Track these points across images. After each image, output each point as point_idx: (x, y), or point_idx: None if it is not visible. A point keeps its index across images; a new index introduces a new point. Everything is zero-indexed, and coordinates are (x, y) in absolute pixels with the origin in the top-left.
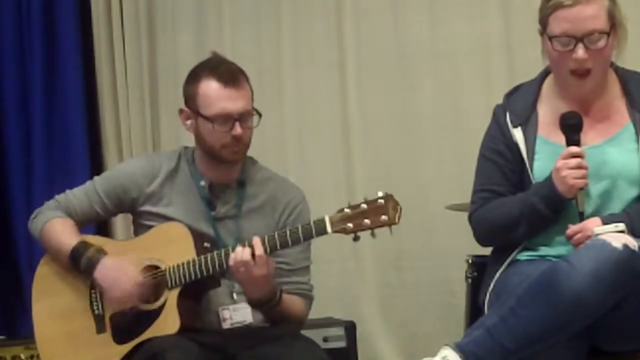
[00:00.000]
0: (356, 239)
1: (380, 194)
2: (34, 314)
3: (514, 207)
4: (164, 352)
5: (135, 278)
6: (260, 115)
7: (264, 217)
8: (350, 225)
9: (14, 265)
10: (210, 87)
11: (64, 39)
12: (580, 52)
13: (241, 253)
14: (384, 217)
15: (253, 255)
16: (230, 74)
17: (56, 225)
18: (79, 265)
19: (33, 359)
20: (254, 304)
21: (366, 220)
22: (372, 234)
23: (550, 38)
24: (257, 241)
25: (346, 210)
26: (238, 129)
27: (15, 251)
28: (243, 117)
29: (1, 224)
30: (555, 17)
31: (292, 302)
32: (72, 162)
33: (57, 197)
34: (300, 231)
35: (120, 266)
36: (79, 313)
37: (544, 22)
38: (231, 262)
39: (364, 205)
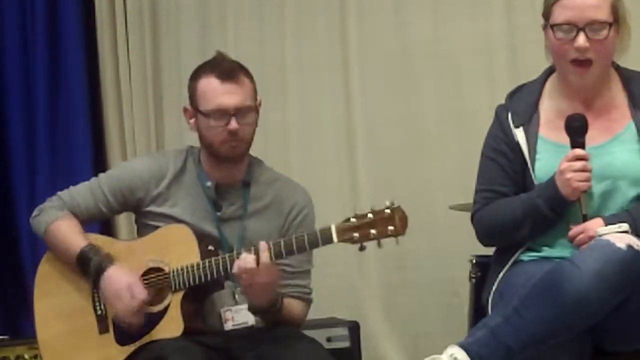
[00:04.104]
0: (362, 248)
1: (387, 203)
2: (36, 313)
3: (518, 208)
4: (167, 355)
5: (140, 295)
6: (257, 111)
7: (270, 218)
8: (356, 235)
9: (18, 265)
10: (209, 83)
11: (67, 37)
12: (581, 40)
13: (245, 260)
14: (390, 228)
15: (257, 262)
16: (229, 69)
17: (62, 226)
18: (87, 270)
19: (36, 359)
20: (255, 310)
21: (373, 231)
22: (379, 244)
23: (553, 27)
24: (264, 248)
25: (352, 219)
26: (233, 124)
27: (18, 251)
28: (240, 113)
29: (5, 224)
30: (559, 6)
31: (292, 307)
32: (75, 161)
33: (60, 194)
34: (305, 239)
35: (127, 281)
36: (81, 312)
37: (547, 12)
38: (235, 269)
39: (371, 215)
